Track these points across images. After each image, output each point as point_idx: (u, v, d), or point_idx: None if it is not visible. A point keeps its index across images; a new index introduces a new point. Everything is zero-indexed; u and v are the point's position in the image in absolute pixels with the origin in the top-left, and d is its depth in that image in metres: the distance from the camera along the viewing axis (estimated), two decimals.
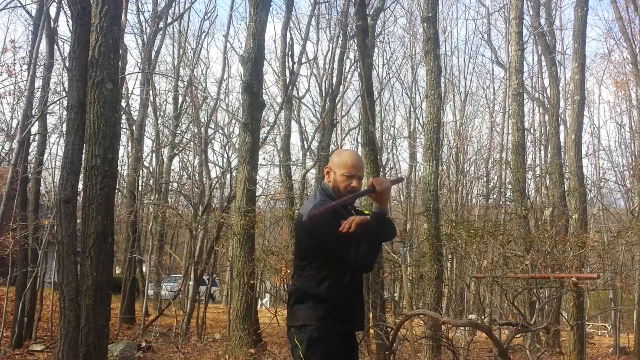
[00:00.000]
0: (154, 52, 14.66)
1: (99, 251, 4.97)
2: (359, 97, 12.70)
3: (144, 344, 8.88)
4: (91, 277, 4.91)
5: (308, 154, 17.78)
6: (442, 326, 7.61)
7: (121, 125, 12.94)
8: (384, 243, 3.09)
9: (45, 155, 10.71)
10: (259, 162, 10.01)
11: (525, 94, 14.45)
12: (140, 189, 14.97)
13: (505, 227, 8.89)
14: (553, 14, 17.28)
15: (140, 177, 15.52)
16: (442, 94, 14.07)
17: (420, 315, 7.04)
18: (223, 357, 8.36)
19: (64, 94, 9.45)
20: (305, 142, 18.38)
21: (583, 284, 6.92)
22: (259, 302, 15.72)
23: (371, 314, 7.81)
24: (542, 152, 20.17)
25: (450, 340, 6.11)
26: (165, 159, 16.72)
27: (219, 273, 17.64)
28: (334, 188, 2.68)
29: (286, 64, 14.18)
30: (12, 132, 11.40)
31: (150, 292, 14.46)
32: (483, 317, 11.85)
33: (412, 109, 23.08)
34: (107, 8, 5.15)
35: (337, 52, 15.57)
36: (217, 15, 64.78)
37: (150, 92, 14.64)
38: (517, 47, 12.43)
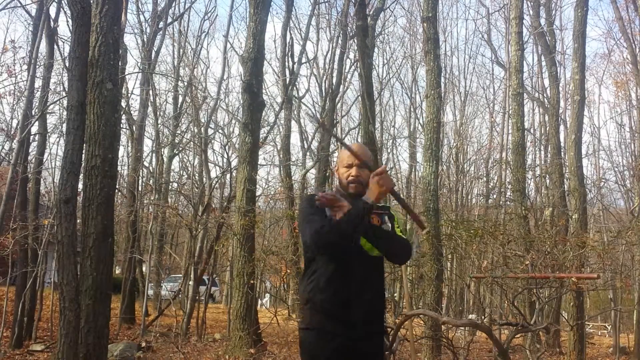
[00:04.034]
0: (154, 52, 14.67)
1: (99, 251, 4.97)
2: (359, 97, 12.70)
3: (144, 344, 8.88)
4: (91, 277, 4.91)
5: (308, 154, 17.81)
6: (442, 326, 7.60)
7: (121, 125, 12.94)
8: (394, 261, 2.92)
9: (45, 155, 10.71)
10: (259, 162, 10.00)
11: (525, 94, 14.45)
12: (140, 189, 14.96)
13: (505, 227, 8.88)
14: (553, 14, 17.28)
15: (140, 177, 15.52)
16: (442, 94, 14.10)
17: (420, 315, 7.03)
18: (223, 357, 8.35)
19: (64, 94, 9.45)
20: (305, 142, 18.43)
21: (583, 284, 6.92)
22: (259, 302, 15.71)
23: None
24: (542, 152, 20.18)
25: (450, 340, 6.11)
26: (165, 159, 16.72)
27: (219, 273, 17.62)
28: (341, 183, 2.67)
29: (286, 64, 14.19)
30: (12, 132, 11.41)
31: (150, 292, 14.45)
32: (483, 317, 11.83)
33: (412, 109, 23.11)
34: (107, 8, 5.15)
35: (337, 52, 15.59)
36: (217, 15, 64.74)
37: (150, 92, 14.64)
38: (517, 47, 12.43)
